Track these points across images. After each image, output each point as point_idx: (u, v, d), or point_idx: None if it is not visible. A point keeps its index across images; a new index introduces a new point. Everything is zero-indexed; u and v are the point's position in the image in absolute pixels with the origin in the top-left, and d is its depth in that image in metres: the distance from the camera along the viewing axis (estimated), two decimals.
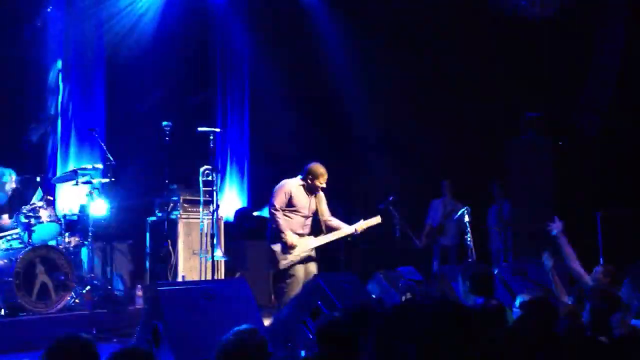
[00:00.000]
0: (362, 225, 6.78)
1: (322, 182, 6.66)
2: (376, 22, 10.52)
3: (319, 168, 6.67)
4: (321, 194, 6.83)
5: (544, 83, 9.69)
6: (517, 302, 4.65)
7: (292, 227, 6.63)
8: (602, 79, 9.49)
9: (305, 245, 6.64)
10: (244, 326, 3.02)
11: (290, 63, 10.75)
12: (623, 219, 8.14)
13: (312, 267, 6.75)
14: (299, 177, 6.73)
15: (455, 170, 9.93)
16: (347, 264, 9.58)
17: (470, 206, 8.39)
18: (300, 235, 6.67)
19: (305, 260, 6.70)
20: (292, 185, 6.69)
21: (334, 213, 7.00)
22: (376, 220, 6.91)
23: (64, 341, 2.62)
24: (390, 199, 8.32)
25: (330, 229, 6.79)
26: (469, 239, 7.99)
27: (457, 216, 8.30)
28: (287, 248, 6.55)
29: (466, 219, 8.07)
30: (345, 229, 6.76)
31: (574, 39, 9.71)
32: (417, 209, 9.67)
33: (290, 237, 6.53)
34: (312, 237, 6.75)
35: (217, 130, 7.27)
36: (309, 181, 6.65)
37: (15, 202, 7.05)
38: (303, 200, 6.70)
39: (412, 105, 10.53)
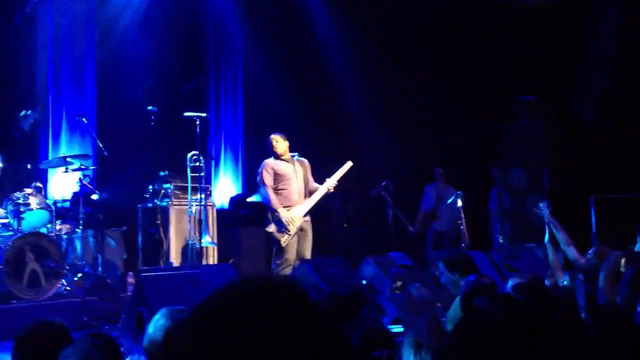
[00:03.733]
0: (332, 180, 7.13)
1: (277, 142, 7.08)
2: (369, 5, 10.42)
3: (272, 135, 7.19)
4: (306, 164, 7.24)
5: (540, 67, 9.62)
6: (509, 285, 4.64)
7: (290, 197, 6.98)
8: (598, 63, 9.42)
9: (297, 215, 6.92)
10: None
11: (283, 47, 10.68)
12: (617, 204, 8.11)
13: (306, 247, 6.92)
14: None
15: (450, 156, 9.88)
16: (344, 249, 9.58)
17: (464, 191, 8.37)
18: (296, 204, 7.00)
19: (299, 236, 6.90)
20: (270, 161, 7.13)
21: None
22: (346, 166, 7.25)
23: (35, 327, 2.59)
24: (384, 184, 8.31)
25: (311, 194, 7.17)
26: (462, 224, 7.97)
27: (449, 201, 8.27)
28: (283, 225, 6.80)
29: (459, 204, 8.05)
30: (321, 188, 7.12)
31: (570, 23, 9.63)
32: (410, 194, 9.63)
33: (283, 213, 6.82)
34: (299, 205, 7.03)
35: (203, 115, 7.22)
36: (272, 150, 7.12)
37: (7, 191, 7.02)
38: (287, 168, 7.08)
39: (406, 91, 10.47)
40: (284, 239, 6.78)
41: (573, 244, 5.56)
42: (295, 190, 7.03)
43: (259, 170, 7.10)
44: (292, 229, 6.82)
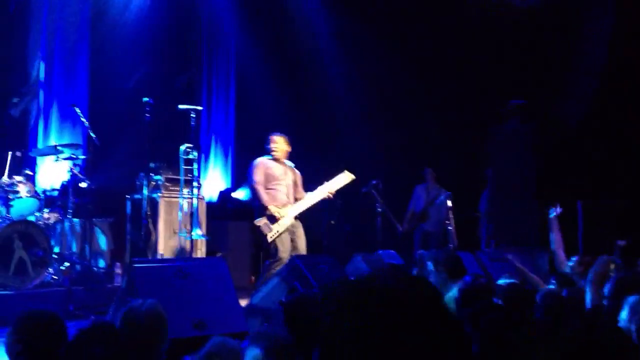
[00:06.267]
0: (330, 186, 7.03)
1: (277, 144, 7.03)
2: (364, 3, 10.44)
3: (272, 135, 7.12)
4: (297, 173, 7.16)
5: (530, 71, 9.67)
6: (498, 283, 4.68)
7: (279, 198, 6.92)
8: (588, 67, 9.47)
9: (288, 214, 6.86)
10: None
11: (276, 43, 10.69)
12: (604, 209, 8.17)
13: (301, 246, 6.87)
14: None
15: (440, 157, 9.92)
16: (330, 247, 9.59)
17: (454, 193, 8.40)
18: (285, 205, 6.92)
19: (292, 235, 6.86)
20: (264, 160, 7.07)
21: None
22: (347, 178, 7.15)
23: (30, 315, 2.59)
24: (374, 182, 8.32)
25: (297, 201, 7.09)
26: (450, 224, 8.00)
27: (439, 202, 8.30)
28: (274, 220, 6.76)
29: (448, 204, 8.08)
30: (316, 192, 7.03)
31: (561, 26, 9.68)
32: (401, 194, 9.66)
33: (274, 209, 6.78)
34: (289, 205, 6.97)
35: (199, 108, 7.22)
36: (269, 148, 7.06)
37: None
38: (279, 170, 7.03)
39: (398, 89, 10.50)
40: (270, 234, 6.76)
41: (563, 248, 5.63)
42: (284, 192, 7.00)
43: (250, 169, 7.05)
44: (282, 226, 6.79)
